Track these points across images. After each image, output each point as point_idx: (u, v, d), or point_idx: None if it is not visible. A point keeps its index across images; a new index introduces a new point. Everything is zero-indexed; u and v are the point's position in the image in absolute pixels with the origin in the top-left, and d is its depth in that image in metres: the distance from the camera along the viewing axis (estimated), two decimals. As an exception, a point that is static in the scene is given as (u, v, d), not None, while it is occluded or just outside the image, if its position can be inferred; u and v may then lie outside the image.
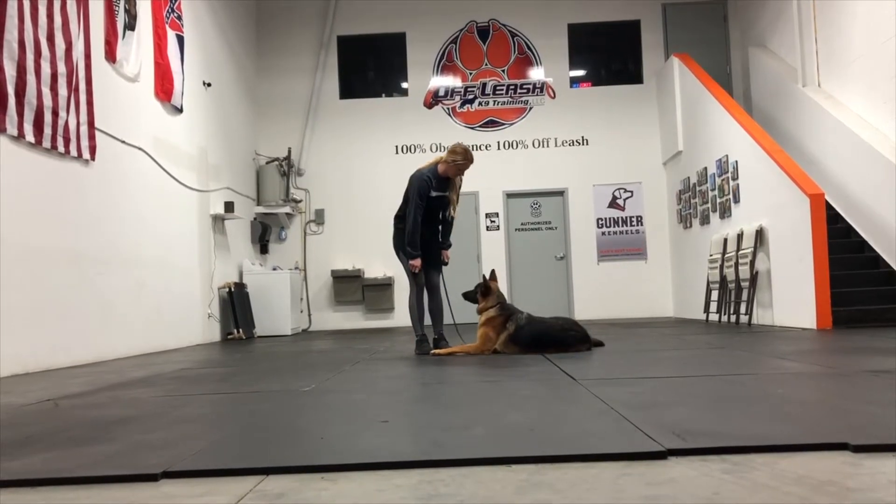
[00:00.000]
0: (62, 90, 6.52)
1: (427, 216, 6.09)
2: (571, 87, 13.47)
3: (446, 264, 6.40)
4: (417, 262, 6.04)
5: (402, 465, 2.13)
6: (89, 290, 6.94)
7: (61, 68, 6.50)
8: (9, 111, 5.82)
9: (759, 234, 8.86)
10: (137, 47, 8.18)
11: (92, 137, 7.04)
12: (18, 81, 5.95)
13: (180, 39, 9.42)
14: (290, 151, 12.86)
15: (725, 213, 10.16)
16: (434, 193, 6.04)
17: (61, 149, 6.52)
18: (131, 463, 2.31)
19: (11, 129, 5.85)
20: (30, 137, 6.09)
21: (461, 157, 6.04)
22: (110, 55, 7.57)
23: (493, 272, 6.12)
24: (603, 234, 13.12)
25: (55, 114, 6.41)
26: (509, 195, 13.19)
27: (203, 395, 4.02)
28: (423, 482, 1.94)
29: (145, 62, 8.44)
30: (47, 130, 6.30)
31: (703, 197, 11.06)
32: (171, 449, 2.45)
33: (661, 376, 4.14)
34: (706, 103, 10.81)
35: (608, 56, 13.81)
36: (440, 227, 6.34)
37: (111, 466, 2.25)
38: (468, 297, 6.05)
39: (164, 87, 8.86)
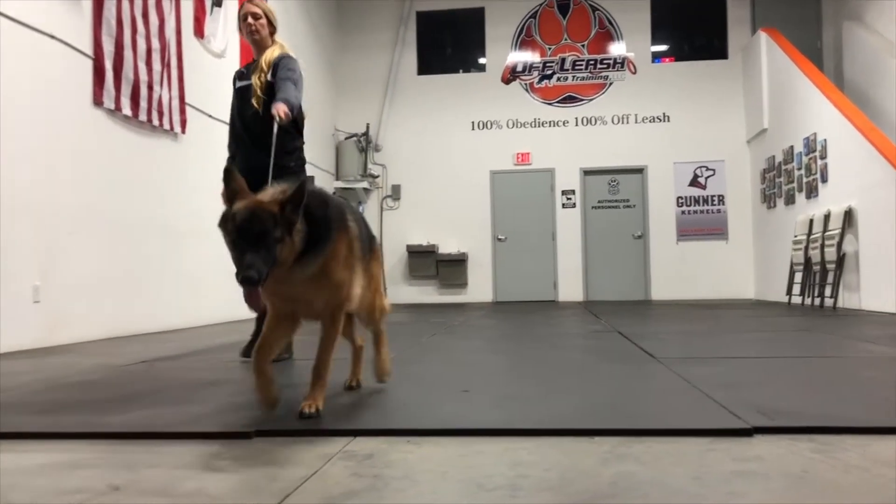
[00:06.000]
0: (156, 65, 6.76)
1: (242, 121, 4.38)
2: (653, 62, 13.16)
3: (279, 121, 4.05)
4: None
5: (485, 432, 2.17)
6: (178, 260, 7.22)
7: (155, 44, 6.74)
8: (106, 85, 6.08)
9: (848, 215, 8.53)
10: (224, 23, 8.39)
11: (183, 112, 7.28)
12: (116, 57, 6.20)
13: (264, 16, 9.59)
14: (368, 127, 13.00)
15: (812, 193, 9.81)
16: (239, 84, 4.52)
17: (156, 122, 6.77)
18: (224, 422, 2.42)
19: (109, 103, 6.11)
20: (126, 111, 6.34)
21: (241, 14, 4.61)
22: (198, 31, 7.79)
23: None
24: (683, 213, 12.83)
25: (150, 88, 6.66)
26: (587, 172, 13.02)
27: (290, 361, 4.15)
28: (507, 450, 1.98)
29: (231, 38, 8.64)
30: (143, 104, 6.55)
31: (789, 176, 10.70)
32: (260, 411, 2.54)
33: (743, 356, 4.07)
34: (795, 80, 10.41)
35: (692, 30, 13.40)
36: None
37: (207, 424, 2.37)
38: None
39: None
